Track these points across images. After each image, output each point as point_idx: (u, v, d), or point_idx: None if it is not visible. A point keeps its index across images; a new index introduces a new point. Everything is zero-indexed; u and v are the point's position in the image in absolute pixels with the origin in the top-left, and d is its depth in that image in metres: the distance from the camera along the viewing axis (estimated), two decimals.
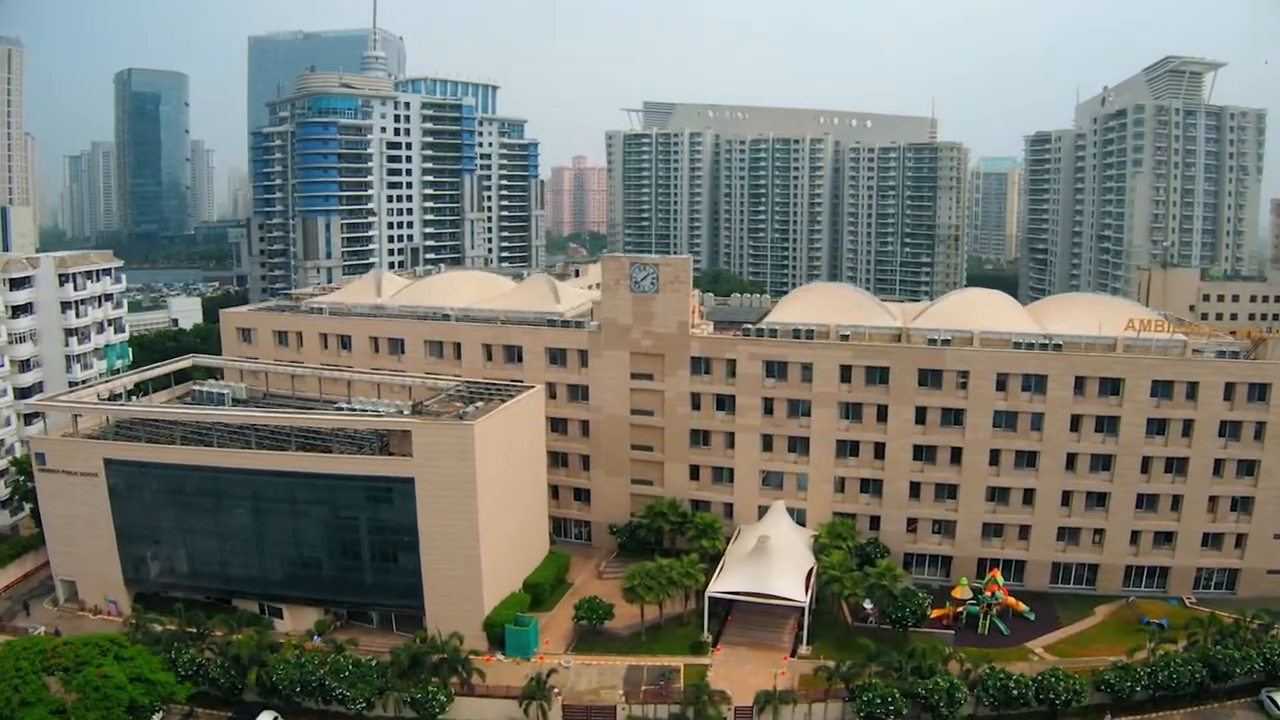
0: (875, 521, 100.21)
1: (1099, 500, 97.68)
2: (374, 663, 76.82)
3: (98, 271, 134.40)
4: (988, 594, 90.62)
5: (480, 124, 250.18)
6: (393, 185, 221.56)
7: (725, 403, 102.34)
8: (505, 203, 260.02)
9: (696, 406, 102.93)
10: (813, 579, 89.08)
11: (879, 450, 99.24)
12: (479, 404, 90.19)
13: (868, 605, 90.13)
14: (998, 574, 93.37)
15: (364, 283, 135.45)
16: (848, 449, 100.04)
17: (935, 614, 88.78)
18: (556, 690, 76.55)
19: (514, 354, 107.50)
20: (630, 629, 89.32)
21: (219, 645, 79.95)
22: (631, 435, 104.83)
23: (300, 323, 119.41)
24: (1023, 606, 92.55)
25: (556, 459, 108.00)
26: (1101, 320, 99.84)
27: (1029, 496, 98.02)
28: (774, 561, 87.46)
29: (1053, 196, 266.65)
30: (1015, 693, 73.79)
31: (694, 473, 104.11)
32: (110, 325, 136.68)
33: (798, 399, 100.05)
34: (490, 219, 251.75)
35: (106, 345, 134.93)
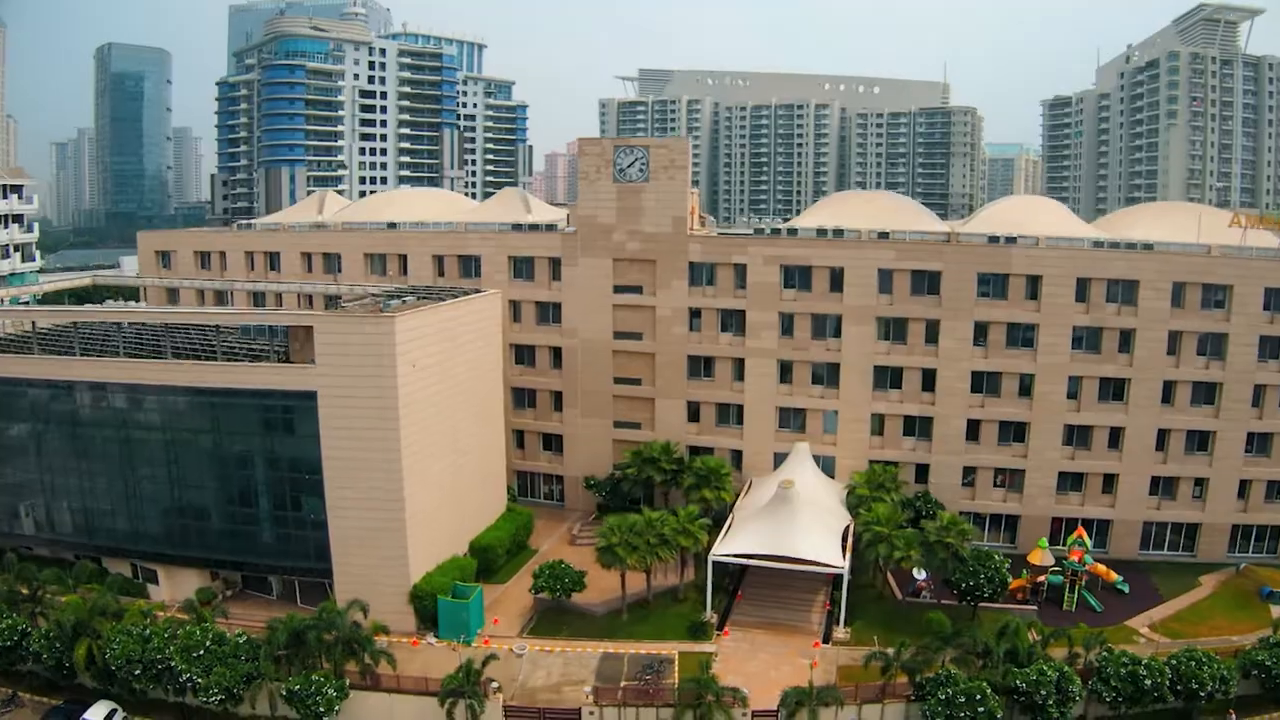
0: (922, 472, 76.89)
1: (1201, 442, 74.90)
2: (244, 640, 53.36)
3: (4, 187, 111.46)
4: (1073, 559, 67.27)
5: (465, 83, 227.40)
6: (365, 137, 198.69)
7: (733, 321, 79.02)
8: (490, 168, 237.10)
9: (696, 327, 79.62)
10: (849, 540, 65.80)
11: (927, 379, 75.91)
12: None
13: (920, 575, 66.97)
14: (1084, 534, 70.06)
15: (306, 203, 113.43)
16: (888, 378, 76.71)
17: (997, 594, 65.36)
18: (496, 685, 53.23)
19: (470, 266, 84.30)
20: (608, 605, 66.34)
21: (50, 609, 57.18)
22: (614, 365, 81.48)
23: (223, 241, 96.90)
24: (1115, 576, 69.63)
25: (521, 398, 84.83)
26: (1190, 226, 77.61)
27: (1116, 438, 74.91)
28: (799, 516, 64.14)
29: (1074, 164, 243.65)
30: (1148, 682, 50.40)
31: (693, 412, 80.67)
32: (18, 251, 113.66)
33: (825, 314, 76.83)
34: (475, 183, 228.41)
35: (12, 274, 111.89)
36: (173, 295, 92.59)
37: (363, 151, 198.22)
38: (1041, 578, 67.70)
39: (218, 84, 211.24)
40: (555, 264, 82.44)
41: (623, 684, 55.14)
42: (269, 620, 56.12)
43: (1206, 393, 74.13)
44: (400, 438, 60.81)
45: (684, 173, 78.44)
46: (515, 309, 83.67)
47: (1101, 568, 69.28)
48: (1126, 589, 69.37)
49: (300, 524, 64.07)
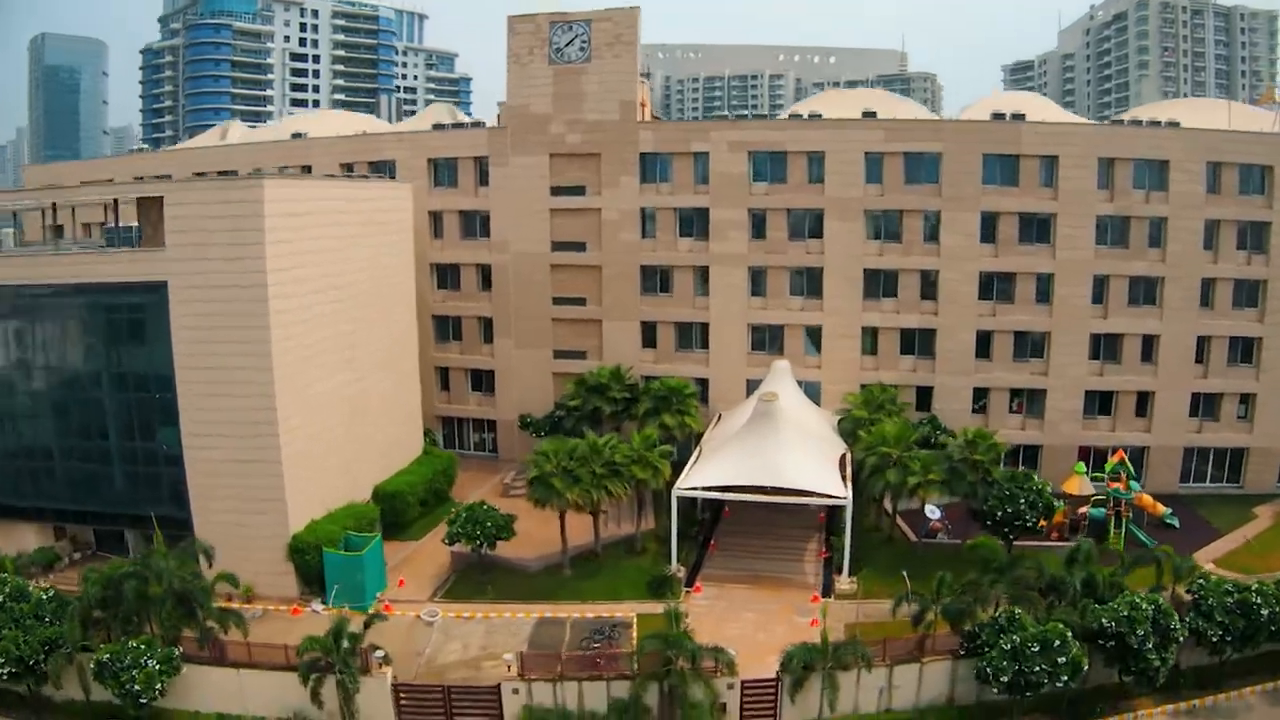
0: (925, 397, 62.64)
1: (1245, 351, 61.71)
2: (50, 597, 37.94)
3: None
4: (1116, 488, 53.44)
5: (404, 54, 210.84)
6: (297, 103, 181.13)
7: (694, 223, 64.40)
8: None
9: (650, 232, 64.90)
10: (847, 470, 51.40)
11: (927, 285, 61.92)
12: None
13: (933, 512, 52.80)
14: (1124, 457, 56.20)
15: (209, 134, 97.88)
16: (880, 284, 62.49)
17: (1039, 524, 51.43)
18: (381, 654, 37.92)
19: (384, 173, 68.49)
20: (545, 560, 51.77)
21: None
22: (554, 283, 66.44)
23: (113, 168, 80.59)
24: (1163, 509, 56.03)
25: (445, 328, 69.62)
26: (1220, 120, 66.43)
27: (1149, 348, 61.46)
28: (785, 436, 49.69)
29: None
30: (1265, 613, 36.59)
31: (648, 335, 65.87)
32: None
33: (803, 210, 62.53)
34: None
35: None
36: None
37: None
38: (1082, 509, 53.72)
39: (142, 52, 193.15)
40: (482, 166, 67.38)
41: (564, 654, 40.01)
42: (84, 570, 40.57)
43: (1249, 293, 61.14)
44: (271, 340, 45.87)
45: (631, 50, 63.78)
46: (436, 222, 68.56)
47: (1147, 498, 55.77)
48: (1177, 523, 55.84)
49: (152, 459, 49.05)
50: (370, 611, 43.73)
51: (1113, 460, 55.97)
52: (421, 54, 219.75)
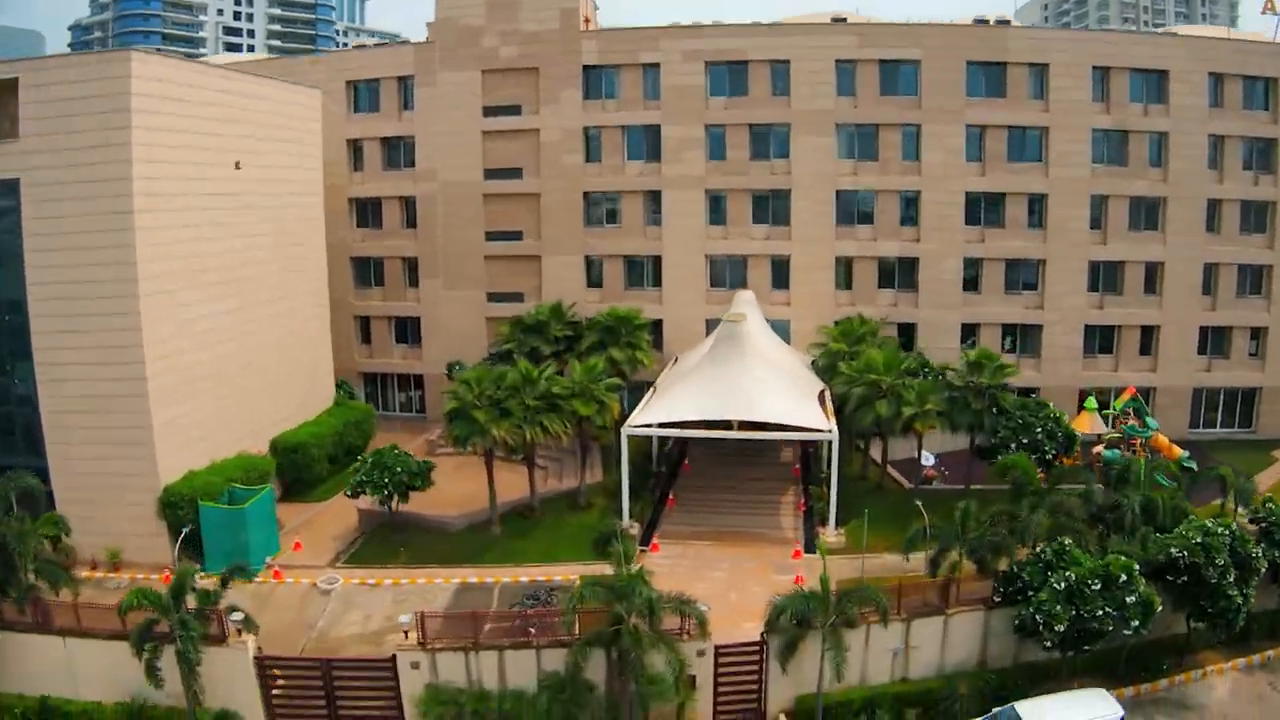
0: (908, 334, 54.37)
1: (1254, 281, 54.76)
2: None
3: None
4: (1132, 425, 45.76)
5: (345, 34, 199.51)
6: None
7: (644, 143, 55.71)
8: None
9: (595, 154, 56.02)
10: (828, 406, 42.88)
11: (908, 208, 53.95)
12: None
13: (927, 459, 44.56)
14: (1135, 392, 48.54)
15: None
16: (855, 209, 54.27)
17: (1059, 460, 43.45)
18: (239, 617, 28.51)
19: None
20: (470, 517, 42.74)
21: None
22: (487, 215, 57.28)
23: None
24: (1180, 451, 47.92)
25: (365, 272, 60.29)
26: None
27: (1153, 277, 53.67)
28: (755, 365, 41.09)
29: None
30: None
31: (593, 272, 57.05)
32: None
33: (767, 126, 54.18)
34: None
35: None
36: None
37: None
38: (1097, 449, 45.74)
39: (70, 29, 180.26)
40: (407, 87, 58.11)
41: (488, 625, 30.70)
42: None
43: (1258, 216, 54.17)
44: (136, 245, 36.67)
45: None
46: (356, 152, 59.22)
47: (1163, 439, 47.99)
48: (1195, 466, 47.75)
49: (4, 399, 38.88)
50: (258, 579, 34.42)
51: (1123, 396, 48.24)
52: (364, 34, 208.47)
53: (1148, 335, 54.32)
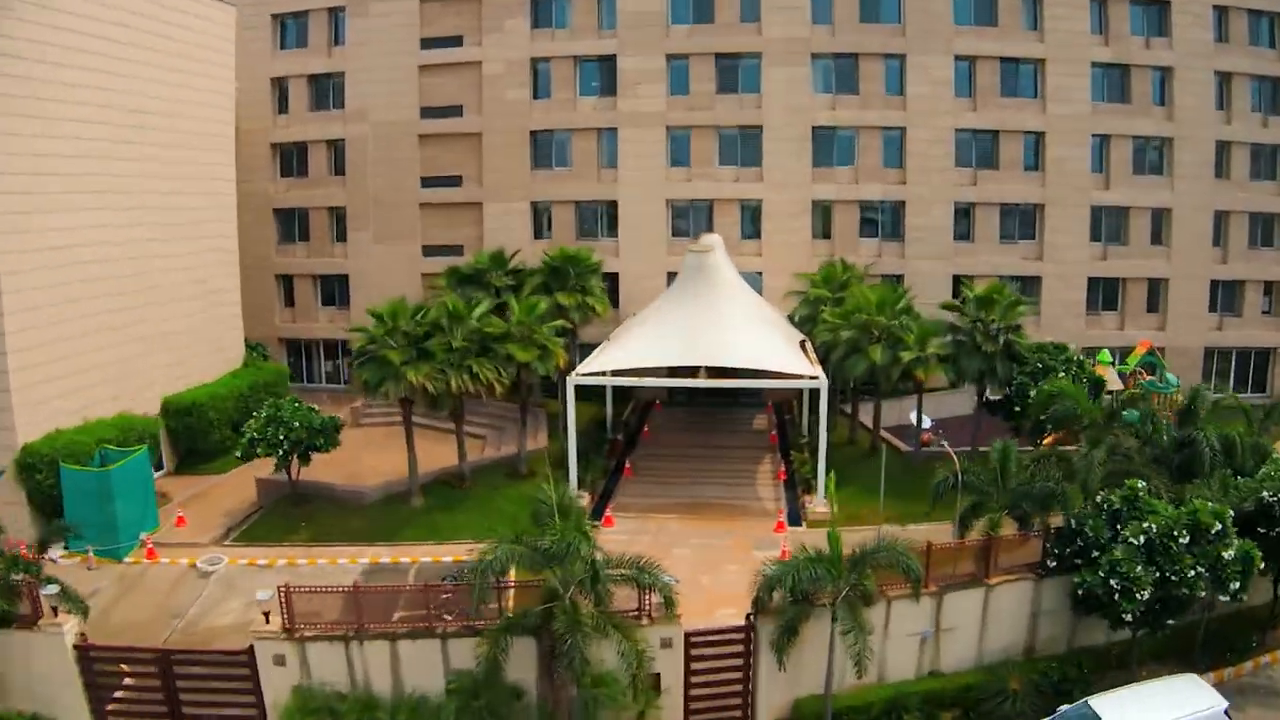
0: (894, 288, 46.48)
1: (1266, 231, 48.22)
2: None
3: None
4: (1152, 381, 38.68)
5: None
6: None
7: (598, 76, 48.19)
8: None
9: (543, 89, 48.25)
10: (811, 357, 35.12)
11: (892, 147, 46.57)
12: None
13: (924, 421, 36.77)
14: (1151, 346, 41.51)
15: None
16: (834, 148, 46.94)
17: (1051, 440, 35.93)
18: (54, 593, 20.08)
19: None
20: (388, 488, 34.85)
21: None
22: (423, 159, 49.19)
23: None
24: None
25: (289, 226, 52.29)
26: None
27: (1160, 226, 46.85)
28: (727, 301, 33.25)
29: None
30: None
31: (540, 220, 49.28)
32: None
33: (735, 55, 46.71)
34: None
35: None
36: None
37: None
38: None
39: None
40: (337, 20, 49.85)
41: (399, 614, 22.41)
42: None
43: (1269, 161, 47.75)
44: None
45: None
46: (280, 93, 51.15)
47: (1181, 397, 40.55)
48: None
49: None
50: (128, 560, 26.08)
51: (1138, 350, 41.15)
52: None
53: (1155, 289, 47.47)
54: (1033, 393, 31.56)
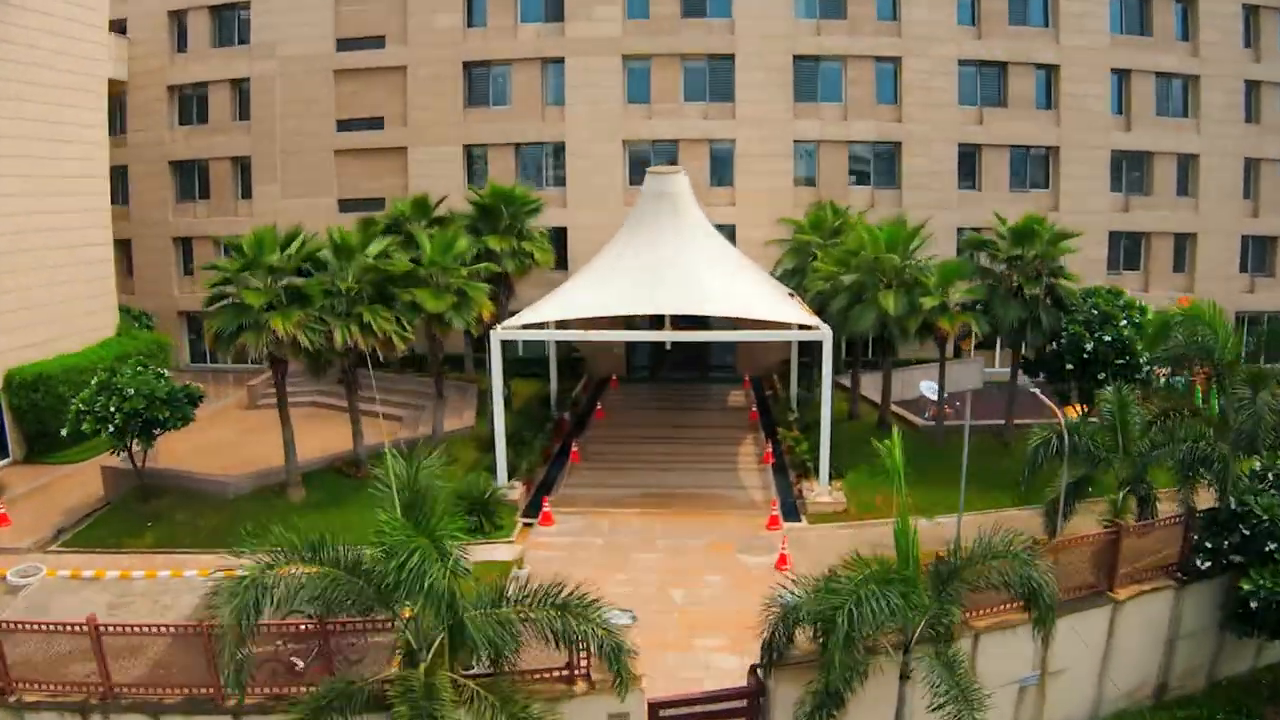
0: None
1: None
2: None
3: None
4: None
5: None
6: None
7: None
8: None
9: (478, 16, 39.71)
10: (804, 307, 26.55)
11: (886, 80, 38.44)
12: None
13: (930, 390, 28.24)
14: (1190, 303, 33.43)
15: None
16: (818, 81, 38.77)
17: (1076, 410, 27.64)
18: None
19: None
20: (260, 479, 25.50)
21: None
22: (339, 99, 40.28)
23: None
24: None
25: (188, 180, 42.99)
26: None
27: (1185, 174, 39.15)
28: (696, 239, 24.40)
29: None
30: None
31: (475, 168, 40.59)
32: None
33: None
34: None
35: None
36: None
37: None
38: (1160, 372, 30.43)
39: None
40: None
41: (98, 623, 13.29)
42: None
43: None
44: None
45: None
46: (179, 28, 41.75)
47: None
48: None
49: None
50: None
51: (1178, 305, 33.10)
52: None
53: (1182, 245, 39.82)
54: (1089, 345, 23.31)
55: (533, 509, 24.38)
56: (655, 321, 28.26)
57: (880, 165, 38.83)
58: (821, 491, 23.30)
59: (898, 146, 38.24)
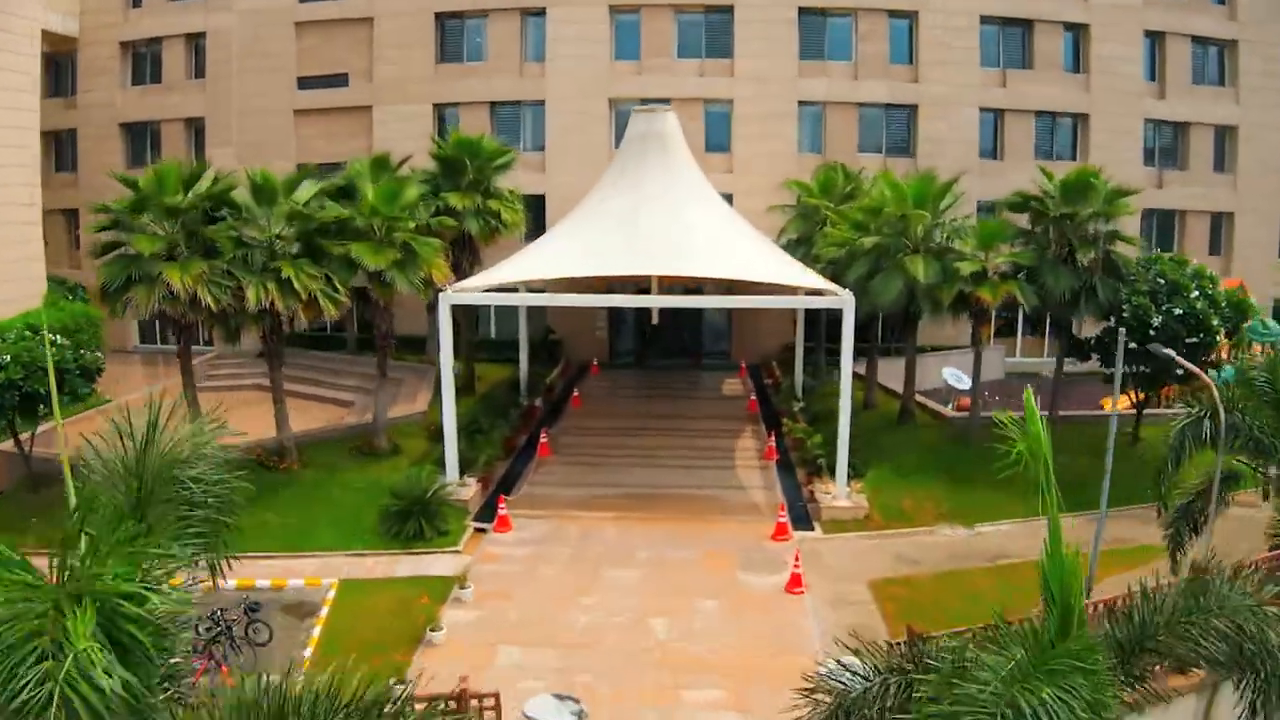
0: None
1: None
2: None
3: None
4: (1257, 324, 26.46)
5: None
6: None
7: None
8: None
9: None
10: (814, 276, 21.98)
11: (900, 37, 33.94)
12: None
13: (957, 379, 23.80)
14: (1242, 284, 29.33)
15: None
16: (826, 36, 34.45)
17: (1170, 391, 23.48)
18: None
19: None
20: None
21: None
22: (300, 55, 35.80)
23: None
24: None
25: (139, 143, 38.53)
26: None
27: (1222, 147, 35.07)
28: (690, 189, 19.80)
29: None
30: None
31: (446, 128, 35.24)
32: None
33: None
34: None
35: None
36: None
37: None
38: (1214, 356, 26.30)
39: None
40: None
41: None
42: None
43: None
44: None
45: None
46: None
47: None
48: None
49: None
50: None
51: (1227, 287, 28.87)
52: None
53: (1219, 224, 35.60)
54: (1155, 319, 18.95)
55: (488, 511, 19.98)
56: (641, 289, 23.89)
57: (893, 130, 34.41)
58: (839, 494, 18.92)
59: (913, 110, 33.87)
